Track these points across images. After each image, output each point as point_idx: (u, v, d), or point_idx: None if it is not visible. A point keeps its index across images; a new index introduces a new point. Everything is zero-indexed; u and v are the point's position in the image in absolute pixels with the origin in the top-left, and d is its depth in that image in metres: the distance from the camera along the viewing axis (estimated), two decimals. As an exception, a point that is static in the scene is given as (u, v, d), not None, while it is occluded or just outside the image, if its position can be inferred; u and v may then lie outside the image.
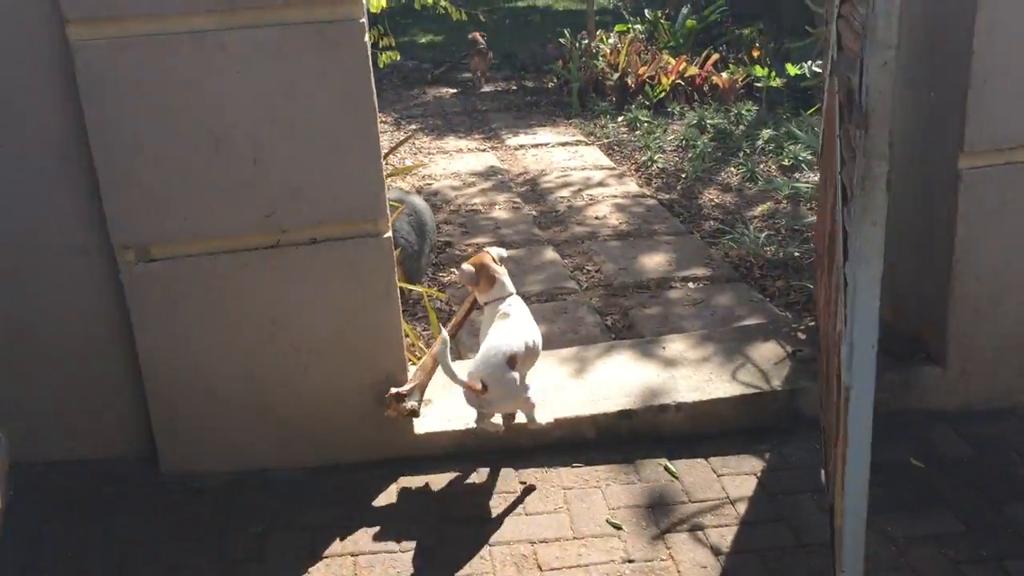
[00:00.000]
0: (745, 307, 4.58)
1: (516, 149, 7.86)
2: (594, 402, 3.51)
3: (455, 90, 10.52)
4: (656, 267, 5.14)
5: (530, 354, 3.14)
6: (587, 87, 9.45)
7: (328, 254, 3.20)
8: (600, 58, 9.78)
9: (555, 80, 10.28)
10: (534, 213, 6.18)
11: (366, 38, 3.03)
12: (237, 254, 3.15)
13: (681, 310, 4.58)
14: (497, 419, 3.19)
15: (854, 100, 2.13)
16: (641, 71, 9.18)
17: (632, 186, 6.74)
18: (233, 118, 3.00)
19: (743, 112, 8.55)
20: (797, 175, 7.01)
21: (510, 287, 3.28)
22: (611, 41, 10.18)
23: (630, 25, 10.96)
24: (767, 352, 3.89)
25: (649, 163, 7.37)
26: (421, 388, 3.27)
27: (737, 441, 3.46)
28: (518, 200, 6.41)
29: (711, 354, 3.88)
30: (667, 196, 6.64)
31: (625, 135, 8.32)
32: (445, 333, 3.07)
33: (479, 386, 2.95)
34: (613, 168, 7.23)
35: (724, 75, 9.18)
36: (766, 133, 7.66)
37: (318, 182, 3.13)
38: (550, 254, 5.37)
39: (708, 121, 8.36)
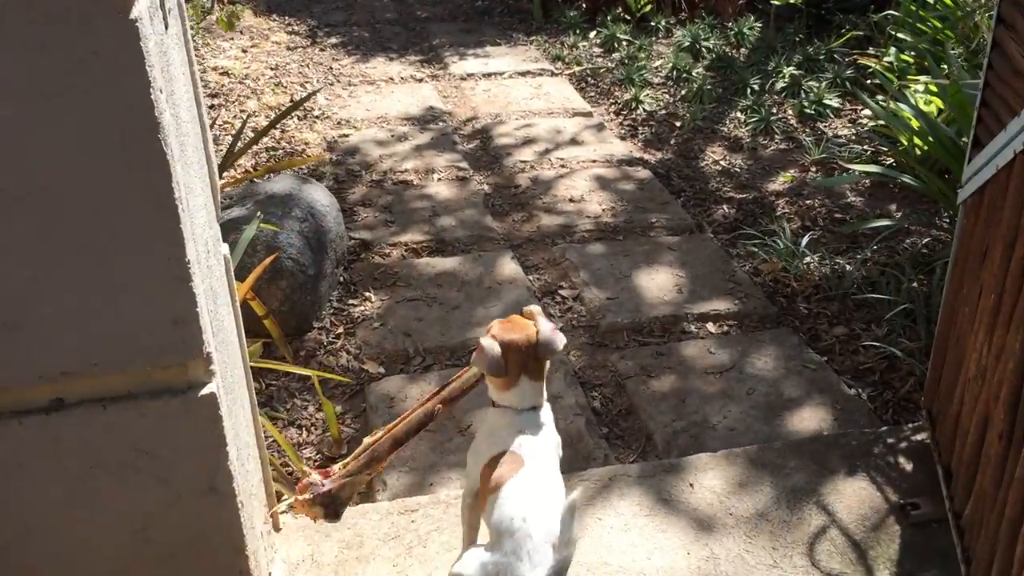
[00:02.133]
0: (797, 381, 3.10)
1: (463, 79, 6.13)
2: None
3: (390, -13, 8.62)
4: (660, 294, 3.61)
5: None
6: (552, -9, 7.65)
7: (86, 426, 1.66)
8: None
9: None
10: (486, 188, 4.56)
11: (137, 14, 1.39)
12: None
13: (704, 384, 3.09)
14: None
15: None
16: (620, -26, 7.40)
17: (615, 143, 5.12)
18: None
19: (744, 31, 6.88)
20: (822, 126, 5.46)
21: (537, 398, 1.97)
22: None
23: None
24: (855, 500, 2.45)
25: (633, 104, 5.73)
26: (356, 485, 2.05)
27: None
28: (465, 165, 4.77)
29: (767, 502, 2.43)
30: (660, 157, 5.06)
31: (601, 60, 6.62)
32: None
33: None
34: (588, 113, 5.58)
35: (721, -18, 7.44)
36: (782, 69, 6.03)
37: (57, 305, 1.55)
38: (508, 266, 3.80)
39: (703, 43, 6.69)
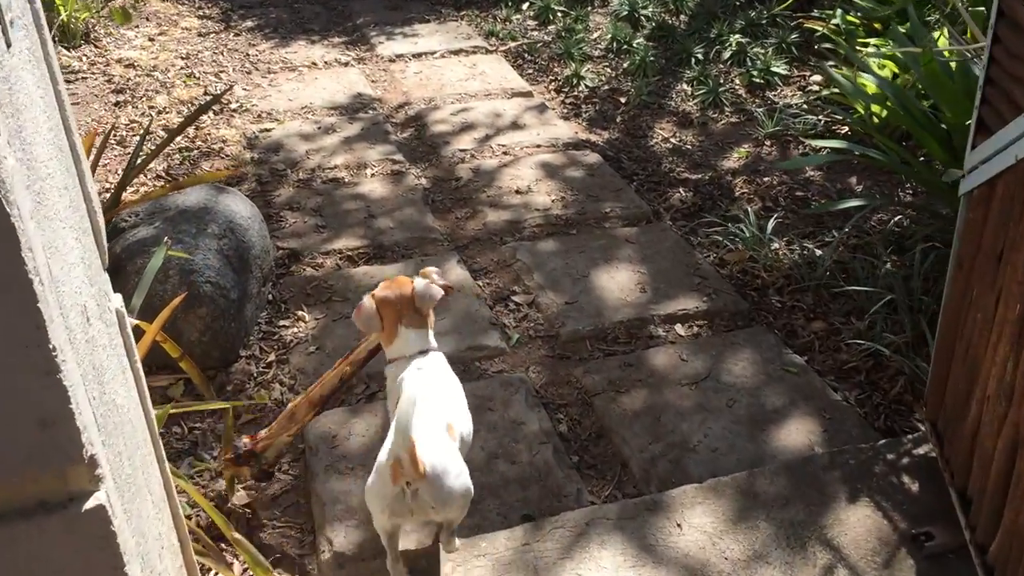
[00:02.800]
0: (779, 388, 2.83)
1: (391, 61, 5.73)
2: None
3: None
4: (622, 294, 3.31)
5: (462, 441, 2.10)
6: (480, -38, 7.25)
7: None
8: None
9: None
10: (424, 183, 4.20)
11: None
12: None
13: (678, 397, 2.81)
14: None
15: None
16: (551, -59, 7.04)
17: (559, 125, 4.79)
18: None
19: (683, -5, 6.59)
20: (772, 95, 5.20)
21: (431, 340, 2.25)
22: None
23: None
24: (861, 531, 2.20)
25: (575, 81, 5.41)
26: (279, 445, 2.35)
27: None
28: (400, 158, 4.40)
29: (765, 541, 2.17)
30: (607, 137, 4.76)
31: (536, 33, 6.27)
32: (415, 386, 2.00)
33: (421, 465, 1.85)
34: (528, 92, 5.24)
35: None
36: (726, 36, 5.75)
37: None
38: (455, 271, 3.46)
39: (641, 11, 6.38)
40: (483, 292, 3.36)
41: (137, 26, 6.14)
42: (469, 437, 2.15)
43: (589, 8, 6.70)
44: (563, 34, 6.14)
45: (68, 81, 5.14)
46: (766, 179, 4.30)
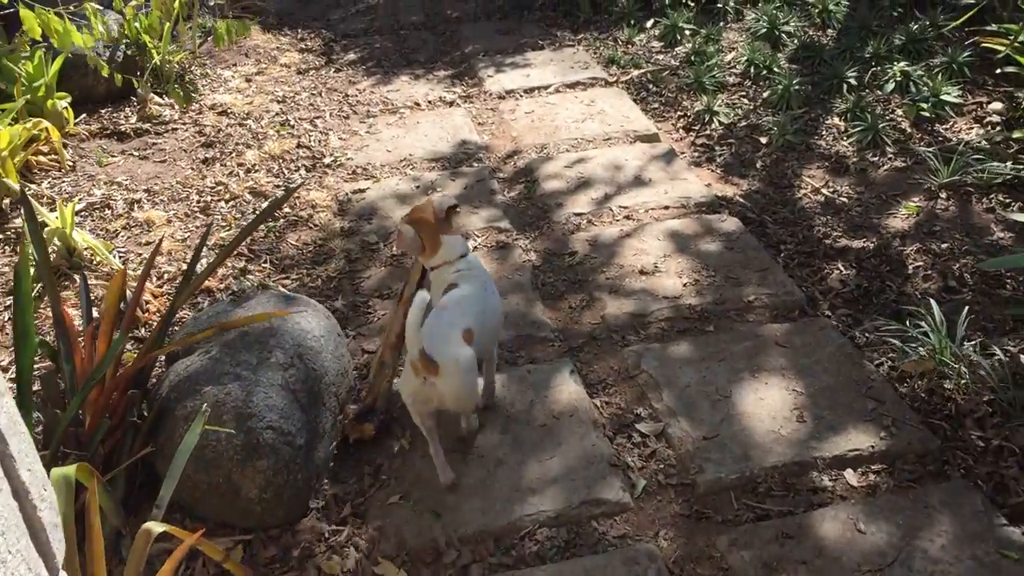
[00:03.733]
0: None
1: (500, 99, 5.19)
2: None
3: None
4: (774, 423, 2.67)
5: (486, 331, 2.49)
6: (599, -24, 6.64)
7: None
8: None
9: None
10: (533, 258, 3.64)
11: None
12: None
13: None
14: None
15: None
16: (677, -49, 6.36)
17: (689, 179, 4.14)
18: None
19: (830, 7, 5.80)
20: (943, 130, 4.41)
21: (461, 247, 2.58)
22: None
23: None
24: None
25: (706, 118, 4.75)
26: (383, 393, 2.68)
27: None
28: (506, 225, 3.85)
29: None
30: (746, 188, 4.11)
31: (661, 57, 5.63)
32: (423, 292, 2.31)
33: (433, 366, 2.26)
34: (653, 135, 4.60)
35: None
36: (885, 57, 4.96)
37: None
38: (567, 385, 2.88)
39: (781, 27, 5.63)
40: (601, 415, 2.77)
41: (235, 64, 5.81)
42: (499, 320, 2.62)
43: (722, 24, 5.99)
44: (692, 58, 5.47)
45: (157, 134, 4.82)
46: (944, 244, 3.55)
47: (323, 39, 6.31)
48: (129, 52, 5.22)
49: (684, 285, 3.35)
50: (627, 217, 3.87)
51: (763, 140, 4.53)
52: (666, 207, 3.92)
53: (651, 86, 5.25)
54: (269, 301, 2.74)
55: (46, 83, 4.51)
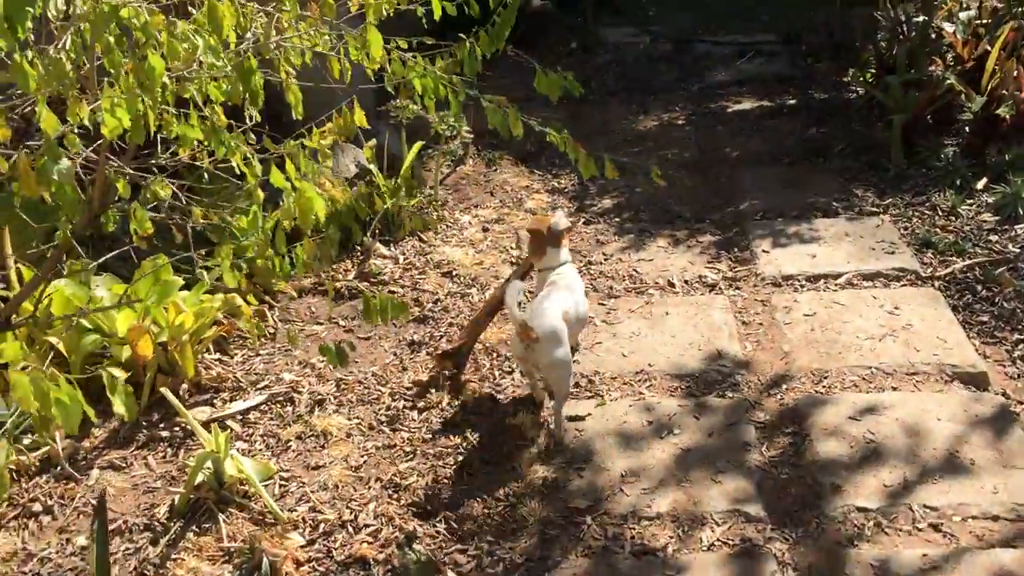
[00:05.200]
0: None
1: (775, 286, 4.19)
2: None
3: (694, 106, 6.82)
4: None
5: (577, 322, 3.32)
6: (917, 117, 5.43)
7: None
8: (946, 53, 5.69)
9: (862, 83, 6.27)
10: (789, 585, 2.62)
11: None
12: None
13: None
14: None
15: None
16: (1029, 96, 5.07)
17: (1034, 466, 2.93)
18: None
19: None
20: None
21: (563, 257, 3.41)
22: (965, 19, 5.87)
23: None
24: None
25: (1062, 352, 3.47)
26: (467, 347, 3.57)
27: None
28: (757, 512, 2.86)
29: None
30: None
31: (995, 238, 4.38)
32: (517, 280, 3.24)
33: (534, 333, 3.00)
34: (978, 374, 3.41)
35: None
36: None
37: None
38: None
39: None
40: None
41: (476, 206, 5.25)
42: (584, 316, 3.46)
43: (1085, 196, 4.60)
44: (1043, 250, 4.17)
45: (373, 297, 4.28)
46: None
47: (578, 177, 5.60)
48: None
49: None
50: (934, 527, 2.73)
51: None
52: (995, 517, 2.74)
53: (979, 287, 4.02)
54: None
55: (257, 242, 4.11)
